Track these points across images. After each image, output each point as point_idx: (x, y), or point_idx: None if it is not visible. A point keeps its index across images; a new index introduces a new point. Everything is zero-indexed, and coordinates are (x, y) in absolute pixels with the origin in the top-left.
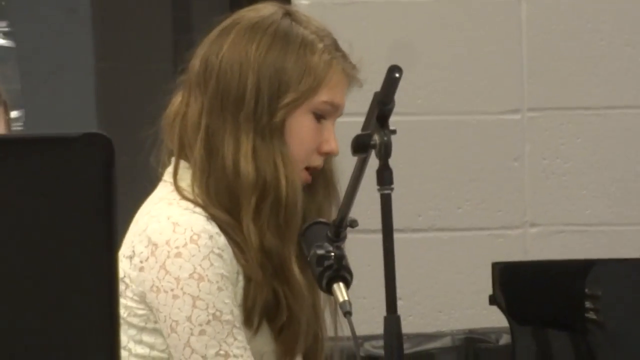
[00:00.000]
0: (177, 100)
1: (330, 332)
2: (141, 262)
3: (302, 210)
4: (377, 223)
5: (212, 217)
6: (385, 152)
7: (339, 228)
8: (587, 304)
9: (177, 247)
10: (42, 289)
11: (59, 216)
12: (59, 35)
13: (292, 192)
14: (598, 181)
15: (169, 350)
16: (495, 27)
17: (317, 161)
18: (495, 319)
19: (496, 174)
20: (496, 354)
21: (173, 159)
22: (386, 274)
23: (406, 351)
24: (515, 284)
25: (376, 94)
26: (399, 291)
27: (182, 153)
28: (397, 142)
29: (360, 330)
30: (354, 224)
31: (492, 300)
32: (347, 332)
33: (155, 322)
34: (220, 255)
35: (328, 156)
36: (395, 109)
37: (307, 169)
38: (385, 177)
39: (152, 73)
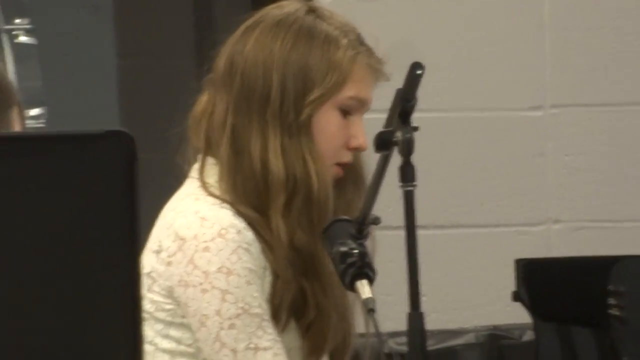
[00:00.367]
0: (203, 99)
1: (360, 329)
2: (169, 256)
3: (333, 206)
4: (400, 219)
5: (240, 214)
6: (407, 149)
7: (362, 225)
8: (611, 301)
9: (205, 242)
10: (64, 285)
11: (81, 213)
12: (81, 33)
13: (323, 188)
14: (621, 177)
15: (196, 345)
16: (518, 24)
17: (347, 157)
18: (519, 315)
19: (519, 170)
20: (520, 350)
21: (199, 157)
22: (409, 270)
23: (430, 348)
24: (539, 280)
25: (398, 91)
26: (422, 288)
27: (209, 151)
28: (419, 139)
29: (384, 327)
30: (376, 221)
31: (516, 297)
32: (372, 327)
33: (183, 316)
34: (247, 250)
35: (357, 151)
36: (418, 106)
37: (337, 165)
38: (407, 173)
39: (174, 70)
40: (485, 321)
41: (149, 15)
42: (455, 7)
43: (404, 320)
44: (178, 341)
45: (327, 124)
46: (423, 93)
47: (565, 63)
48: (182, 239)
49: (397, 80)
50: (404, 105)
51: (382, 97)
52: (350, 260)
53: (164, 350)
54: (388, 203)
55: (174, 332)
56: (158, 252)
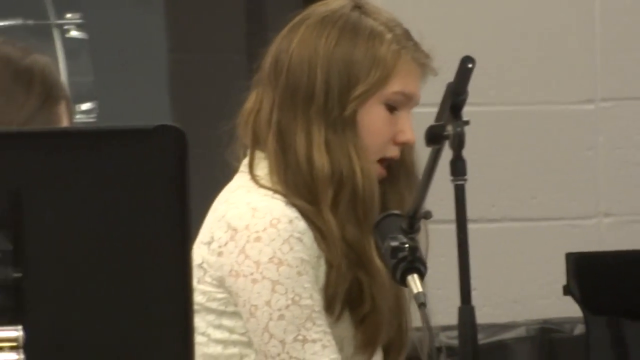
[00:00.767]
0: (252, 98)
1: (417, 323)
2: (220, 247)
3: (381, 201)
4: (451, 213)
5: (293, 205)
6: (458, 143)
7: (413, 220)
8: None
9: (256, 232)
10: (117, 278)
11: (133, 208)
12: (132, 27)
13: (368, 183)
14: None
15: (249, 334)
16: (569, 17)
17: (393, 152)
18: (570, 309)
19: (570, 164)
20: (570, 344)
21: (248, 151)
22: (460, 264)
23: (481, 341)
24: (589, 274)
25: (449, 85)
26: (473, 282)
27: (257, 145)
28: (470, 133)
29: (435, 321)
30: (427, 215)
31: (566, 291)
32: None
33: (235, 305)
34: (300, 239)
35: (405, 146)
36: (469, 100)
37: (384, 160)
38: (458, 167)
39: (225, 64)
40: (536, 315)
41: (199, 9)
42: (507, 1)
43: (455, 314)
44: (231, 330)
45: (373, 119)
46: (474, 87)
47: (616, 56)
48: (234, 229)
49: (448, 74)
50: (454, 99)
51: (433, 91)
52: (401, 254)
53: (217, 341)
54: (439, 197)
55: (226, 322)
56: (209, 243)
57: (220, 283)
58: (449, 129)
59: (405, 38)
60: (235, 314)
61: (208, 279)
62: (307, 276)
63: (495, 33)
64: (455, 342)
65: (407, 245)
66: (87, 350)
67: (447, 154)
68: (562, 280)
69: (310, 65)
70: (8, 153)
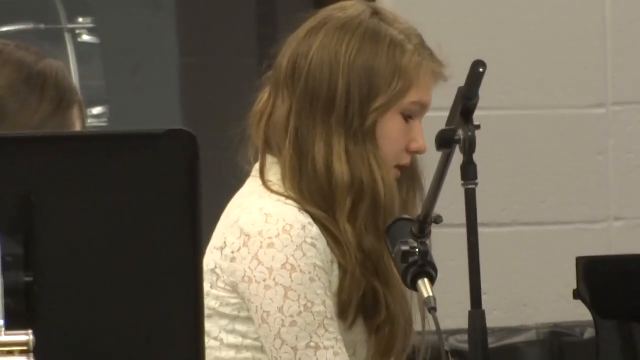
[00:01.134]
0: (263, 98)
1: (417, 327)
2: (232, 252)
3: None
4: (462, 218)
5: (306, 211)
6: (469, 147)
7: (424, 224)
8: None
9: (269, 238)
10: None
11: (144, 212)
12: (144, 31)
13: (390, 193)
14: None
15: (261, 339)
16: (580, 21)
17: (406, 159)
18: (580, 313)
19: (580, 168)
20: (581, 348)
21: (259, 155)
22: (471, 268)
23: (491, 345)
24: (600, 278)
25: (460, 89)
26: (484, 285)
27: (268, 150)
28: (481, 137)
29: (446, 325)
30: (438, 220)
31: (577, 295)
32: (433, 325)
33: (248, 310)
34: (313, 245)
35: (416, 154)
36: (480, 104)
37: (396, 167)
38: (469, 172)
39: (236, 68)
40: (546, 319)
41: (211, 13)
42: (517, 5)
43: (465, 318)
44: (244, 335)
45: (391, 129)
46: (485, 91)
47: (627, 61)
48: (247, 235)
49: (459, 79)
50: (465, 103)
51: (444, 96)
52: (412, 259)
53: (230, 346)
54: (450, 201)
55: (239, 327)
56: (222, 248)
57: (234, 288)
58: (460, 133)
59: (422, 47)
60: (249, 319)
61: (221, 284)
62: (320, 282)
63: (506, 37)
64: (465, 346)
65: (417, 250)
66: (97, 355)
67: (457, 158)
68: (572, 284)
69: (331, 72)
70: (19, 157)
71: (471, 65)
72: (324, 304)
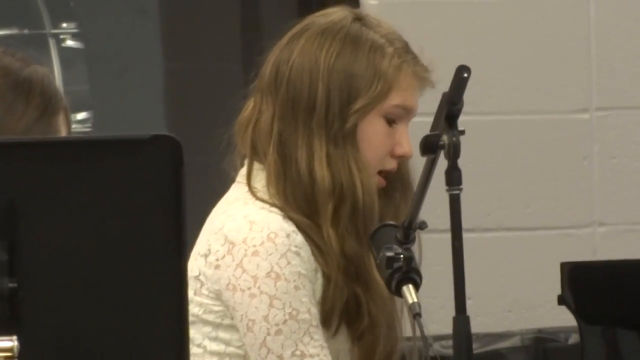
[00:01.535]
0: (249, 105)
1: (407, 332)
2: (217, 260)
3: (379, 214)
4: (446, 223)
5: (290, 218)
6: (454, 153)
7: (408, 230)
8: None
9: (254, 246)
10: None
11: (128, 218)
12: (128, 36)
13: (369, 197)
14: None
15: (245, 347)
16: (564, 26)
17: (391, 164)
18: (565, 318)
19: (565, 173)
20: (565, 353)
21: (246, 162)
22: (455, 273)
23: (475, 351)
24: (584, 283)
25: (444, 94)
26: (468, 291)
27: (255, 156)
28: (465, 142)
29: (430, 330)
30: (422, 225)
31: (561, 300)
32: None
33: (232, 318)
34: (297, 253)
35: (402, 159)
36: (464, 109)
37: (381, 172)
38: (454, 177)
39: (221, 73)
40: (530, 324)
41: (195, 19)
42: (501, 10)
43: (449, 323)
44: (227, 343)
45: (373, 132)
46: (469, 96)
47: (611, 66)
48: (232, 242)
49: (444, 84)
50: (450, 108)
51: (428, 101)
52: (396, 265)
53: (212, 353)
54: (434, 207)
55: (222, 334)
56: (206, 255)
57: (217, 296)
58: (445, 138)
59: (405, 51)
60: (232, 327)
61: (205, 292)
62: (305, 290)
63: (490, 42)
64: (449, 352)
65: (402, 256)
66: None
67: (442, 163)
68: (557, 289)
69: (311, 77)
70: (3, 163)
71: (455, 70)
72: (309, 311)
